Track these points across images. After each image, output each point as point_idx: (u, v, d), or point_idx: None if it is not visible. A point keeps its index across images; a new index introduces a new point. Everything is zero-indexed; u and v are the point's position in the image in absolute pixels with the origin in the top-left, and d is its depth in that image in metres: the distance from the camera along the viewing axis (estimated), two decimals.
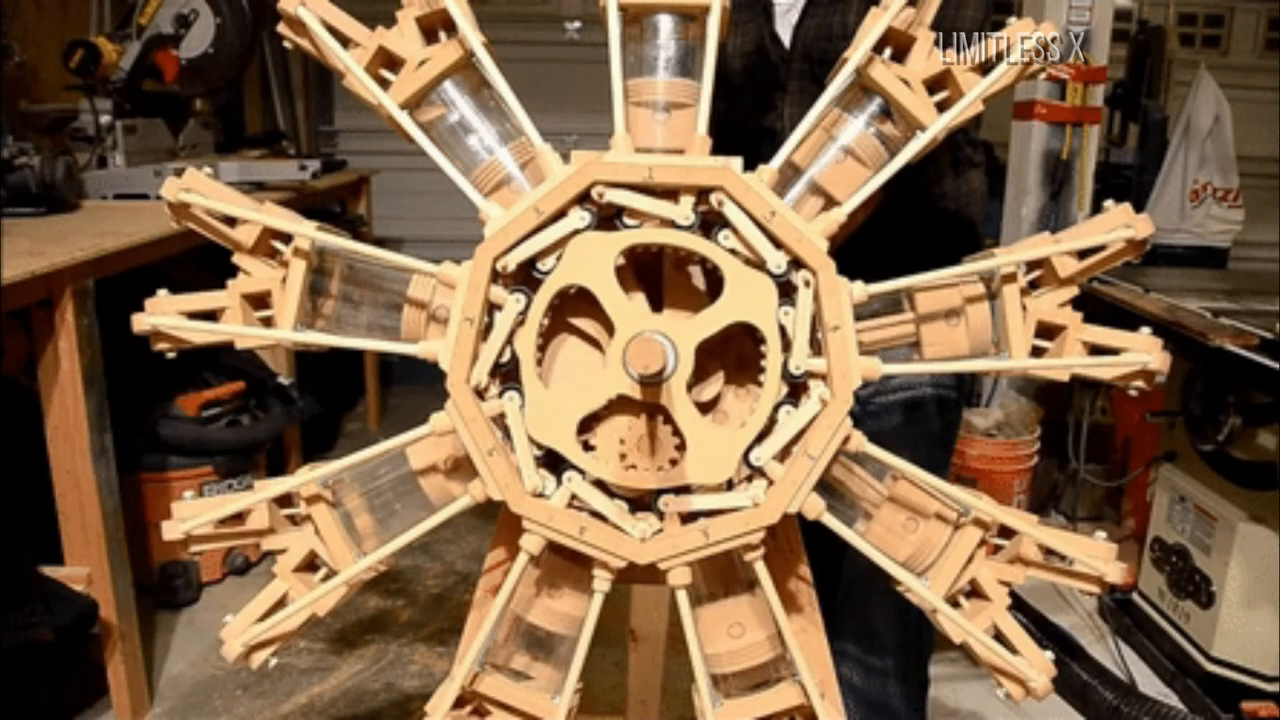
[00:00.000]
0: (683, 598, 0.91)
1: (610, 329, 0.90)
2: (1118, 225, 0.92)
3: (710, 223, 0.90)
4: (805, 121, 0.93)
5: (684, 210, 0.88)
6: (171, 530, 0.95)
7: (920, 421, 1.54)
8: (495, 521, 1.01)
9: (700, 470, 0.89)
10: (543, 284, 0.90)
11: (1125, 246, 0.92)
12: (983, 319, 0.96)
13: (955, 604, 0.96)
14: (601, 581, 0.91)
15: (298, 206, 1.61)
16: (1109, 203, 0.93)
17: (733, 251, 0.89)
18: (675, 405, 0.88)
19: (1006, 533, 0.97)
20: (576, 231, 0.89)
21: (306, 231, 0.93)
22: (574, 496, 0.90)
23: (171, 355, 0.96)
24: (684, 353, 0.86)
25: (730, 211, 0.87)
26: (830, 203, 0.96)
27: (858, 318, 0.91)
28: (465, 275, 0.89)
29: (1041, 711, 2.17)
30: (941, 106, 0.93)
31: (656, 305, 0.96)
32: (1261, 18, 4.91)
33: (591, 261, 0.89)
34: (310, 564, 1.00)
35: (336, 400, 4.06)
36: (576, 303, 0.94)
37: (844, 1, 1.39)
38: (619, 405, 0.91)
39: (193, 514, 0.96)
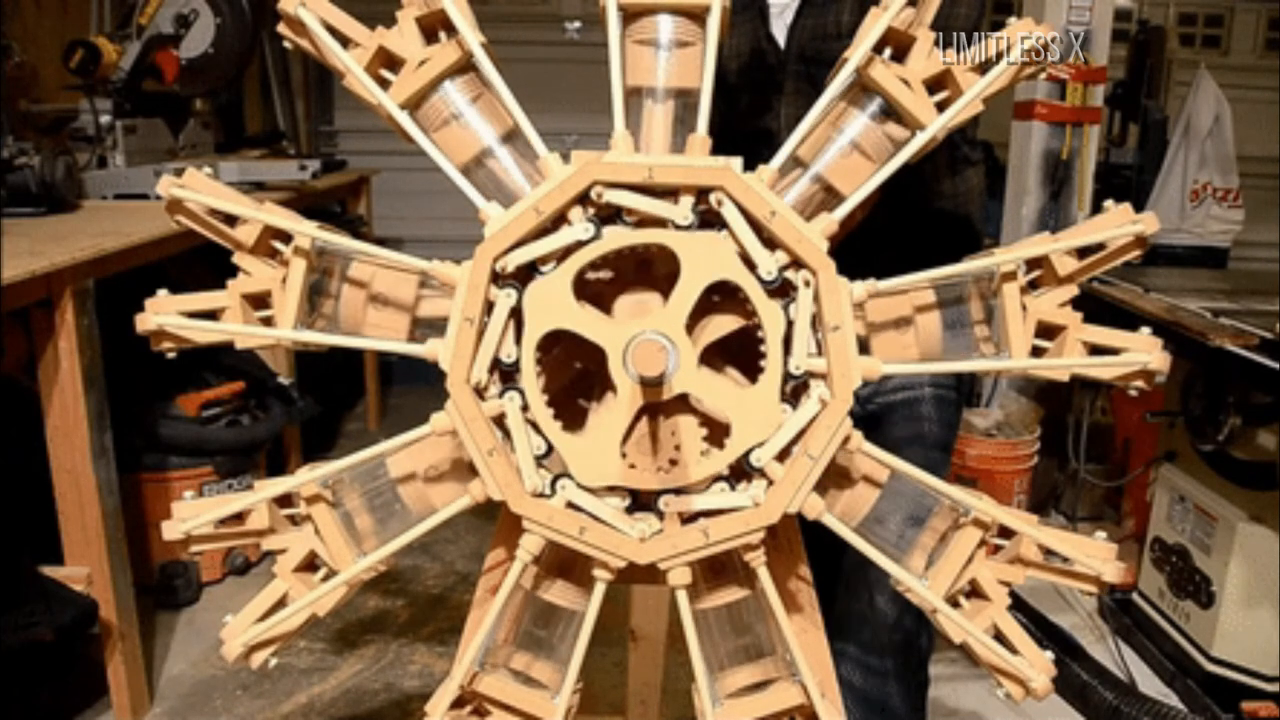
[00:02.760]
0: (683, 598, 0.91)
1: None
2: (1118, 225, 0.92)
3: (710, 223, 0.90)
4: (804, 123, 0.93)
5: (683, 210, 0.88)
6: (171, 530, 0.95)
7: (920, 421, 1.54)
8: (495, 521, 1.01)
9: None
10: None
11: (1125, 246, 0.92)
12: (933, 327, 0.96)
13: (955, 604, 0.96)
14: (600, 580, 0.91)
15: (298, 206, 1.62)
16: (1109, 203, 0.93)
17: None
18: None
19: (1006, 533, 0.97)
20: (580, 242, 0.89)
21: (306, 231, 0.93)
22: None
23: (172, 355, 0.96)
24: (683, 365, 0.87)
25: (728, 212, 0.87)
26: (831, 195, 0.96)
27: None
28: (465, 275, 0.89)
29: (1041, 711, 2.17)
30: (941, 106, 0.93)
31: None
32: (1261, 18, 4.91)
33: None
34: (310, 564, 1.00)
35: (336, 400, 4.06)
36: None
37: (838, 1, 1.40)
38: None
39: (193, 514, 0.95)
